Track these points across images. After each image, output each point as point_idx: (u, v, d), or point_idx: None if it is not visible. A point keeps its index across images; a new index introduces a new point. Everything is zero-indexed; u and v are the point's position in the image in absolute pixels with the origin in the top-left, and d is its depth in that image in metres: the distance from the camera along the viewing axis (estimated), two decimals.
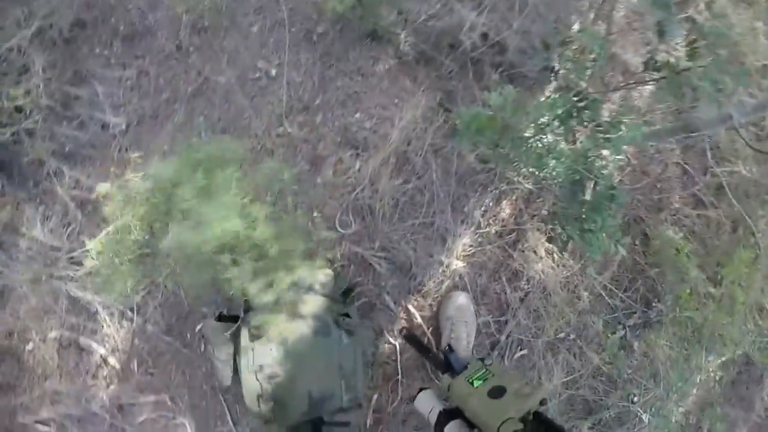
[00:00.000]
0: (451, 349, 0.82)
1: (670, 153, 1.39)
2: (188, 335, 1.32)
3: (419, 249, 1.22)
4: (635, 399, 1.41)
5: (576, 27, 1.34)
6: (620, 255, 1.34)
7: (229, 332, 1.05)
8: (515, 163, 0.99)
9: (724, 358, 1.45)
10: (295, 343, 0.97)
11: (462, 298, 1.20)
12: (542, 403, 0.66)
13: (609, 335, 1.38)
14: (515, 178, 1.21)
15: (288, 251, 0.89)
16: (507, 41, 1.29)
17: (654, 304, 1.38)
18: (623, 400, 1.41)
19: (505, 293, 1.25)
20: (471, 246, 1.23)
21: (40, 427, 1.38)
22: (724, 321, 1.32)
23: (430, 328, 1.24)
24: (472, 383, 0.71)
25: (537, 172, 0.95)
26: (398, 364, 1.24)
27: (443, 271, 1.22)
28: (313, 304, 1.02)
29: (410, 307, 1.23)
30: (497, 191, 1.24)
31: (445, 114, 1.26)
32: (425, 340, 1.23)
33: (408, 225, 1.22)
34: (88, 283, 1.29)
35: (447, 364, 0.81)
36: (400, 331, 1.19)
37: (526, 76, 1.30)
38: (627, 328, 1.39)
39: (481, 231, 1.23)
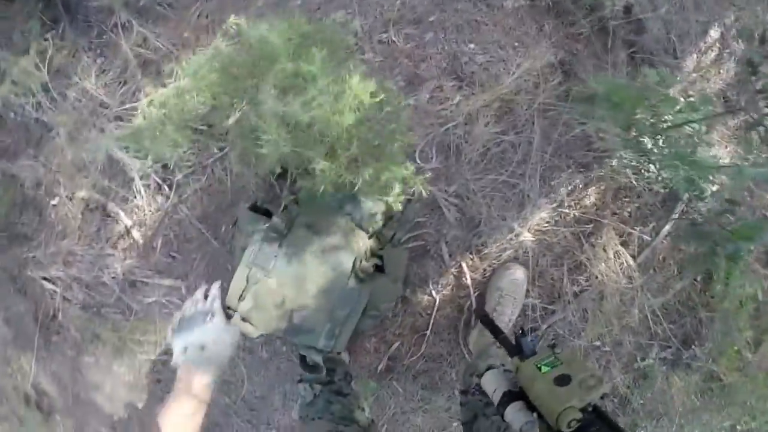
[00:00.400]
0: (523, 333, 0.79)
1: None
2: (222, 228, 1.22)
3: (494, 207, 1.12)
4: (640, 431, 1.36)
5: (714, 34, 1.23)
6: (681, 285, 1.29)
7: (256, 224, 0.95)
8: (644, 154, 0.88)
9: (739, 427, 1.41)
10: (301, 262, 0.89)
11: (519, 273, 1.11)
12: (602, 397, 0.65)
13: (639, 360, 1.31)
14: (620, 168, 1.11)
15: (384, 148, 0.77)
16: (647, 24, 1.17)
17: (692, 346, 1.31)
18: (628, 426, 1.36)
19: (562, 282, 1.17)
20: (547, 222, 1.14)
21: (46, 283, 1.30)
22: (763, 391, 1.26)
23: (476, 293, 1.15)
24: (539, 368, 0.70)
25: (660, 172, 0.86)
26: (432, 319, 1.15)
27: (510, 238, 1.13)
28: (353, 238, 0.92)
29: (464, 264, 1.14)
30: (591, 175, 1.14)
31: (563, 75, 1.14)
32: (468, 304, 1.15)
33: (490, 179, 1.11)
34: (131, 146, 1.16)
35: (518, 347, 0.80)
36: (476, 313, 1.09)
37: (654, 66, 1.18)
38: (657, 359, 1.33)
39: (561, 210, 1.14)
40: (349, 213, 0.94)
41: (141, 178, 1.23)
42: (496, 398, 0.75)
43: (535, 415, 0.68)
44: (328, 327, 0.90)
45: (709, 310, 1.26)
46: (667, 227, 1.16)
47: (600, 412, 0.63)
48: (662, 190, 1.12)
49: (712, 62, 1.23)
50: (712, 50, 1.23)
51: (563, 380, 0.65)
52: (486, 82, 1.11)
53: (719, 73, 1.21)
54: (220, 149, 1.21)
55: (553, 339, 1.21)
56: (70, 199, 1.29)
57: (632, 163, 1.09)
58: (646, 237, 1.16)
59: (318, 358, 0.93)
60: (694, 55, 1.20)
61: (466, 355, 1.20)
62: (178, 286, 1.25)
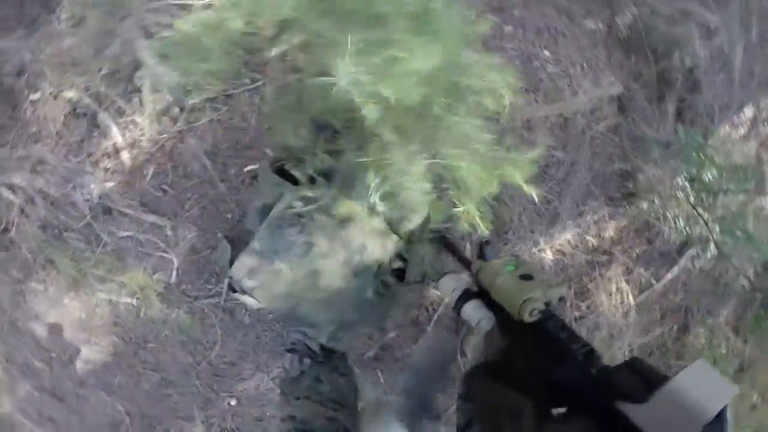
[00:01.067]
0: (488, 242, 0.79)
1: None
2: (232, 171, 1.08)
3: (525, 218, 1.11)
4: None
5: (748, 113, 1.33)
6: (660, 330, 1.38)
7: (278, 189, 0.85)
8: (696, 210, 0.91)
9: None
10: (319, 256, 0.81)
11: None
12: (561, 299, 0.65)
13: None
14: (649, 211, 1.15)
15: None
16: (703, 86, 1.23)
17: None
18: None
19: (565, 306, 1.19)
20: (568, 245, 1.16)
21: (4, 190, 1.07)
22: None
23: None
24: (504, 267, 0.70)
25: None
26: (435, 316, 1.12)
27: (533, 252, 1.13)
28: (382, 240, 0.83)
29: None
30: (618, 210, 1.17)
31: (618, 109, 1.16)
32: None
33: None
34: (164, 51, 0.99)
35: (481, 253, 0.80)
36: (442, 240, 1.05)
37: (693, 125, 1.25)
38: None
39: (585, 236, 1.16)
40: (382, 211, 0.84)
41: (150, 90, 1.06)
42: (454, 297, 0.74)
43: (493, 314, 0.68)
44: (333, 327, 0.83)
45: (678, 358, 1.36)
46: (669, 275, 1.23)
47: (555, 313, 0.64)
48: (677, 241, 1.19)
49: (741, 137, 1.32)
50: (743, 126, 1.32)
51: (526, 277, 0.65)
52: (549, 93, 1.10)
53: (744, 147, 1.30)
54: (253, 80, 1.08)
55: None
56: (55, 98, 1.07)
57: (660, 212, 1.14)
58: (652, 281, 1.22)
59: (315, 345, 0.85)
60: (727, 126, 1.28)
61: (460, 361, 1.19)
62: (163, 225, 1.08)
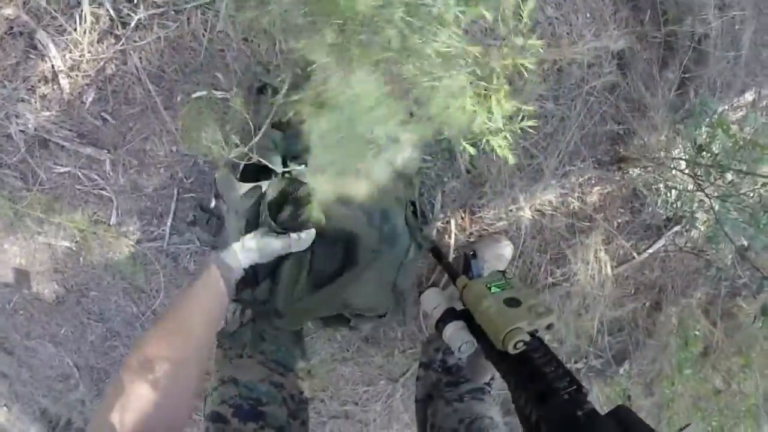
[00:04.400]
0: (474, 255, 0.75)
1: None
2: (178, 98, 0.96)
3: (504, 173, 1.05)
4: None
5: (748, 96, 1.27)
6: (633, 305, 1.35)
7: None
8: (712, 176, 0.85)
9: None
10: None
11: (508, 250, 1.06)
12: (549, 327, 0.62)
13: (572, 362, 1.37)
14: (639, 180, 1.10)
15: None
16: (710, 60, 1.16)
17: (621, 364, 1.40)
18: None
19: (540, 269, 1.15)
20: (548, 205, 1.10)
21: None
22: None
23: (455, 254, 1.09)
24: (489, 288, 0.67)
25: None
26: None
27: (510, 210, 1.07)
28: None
29: (453, 221, 1.06)
30: (608, 175, 1.11)
31: (617, 68, 1.08)
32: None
33: (512, 141, 1.04)
34: None
35: (467, 267, 0.77)
36: (431, 248, 1.01)
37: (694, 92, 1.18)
38: (587, 366, 1.39)
39: (568, 198, 1.10)
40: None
41: (93, 1, 0.94)
42: (436, 314, 0.72)
43: (474, 339, 0.66)
44: (393, 300, 0.79)
45: (647, 336, 1.34)
46: (651, 250, 1.19)
47: (543, 342, 0.61)
48: (664, 215, 1.14)
49: (736, 120, 1.26)
50: (740, 110, 1.26)
51: (513, 302, 0.63)
52: (546, 38, 1.01)
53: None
54: None
55: None
56: None
57: (651, 181, 1.08)
58: (634, 253, 1.17)
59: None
60: (726, 107, 1.22)
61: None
62: (102, 158, 0.99)
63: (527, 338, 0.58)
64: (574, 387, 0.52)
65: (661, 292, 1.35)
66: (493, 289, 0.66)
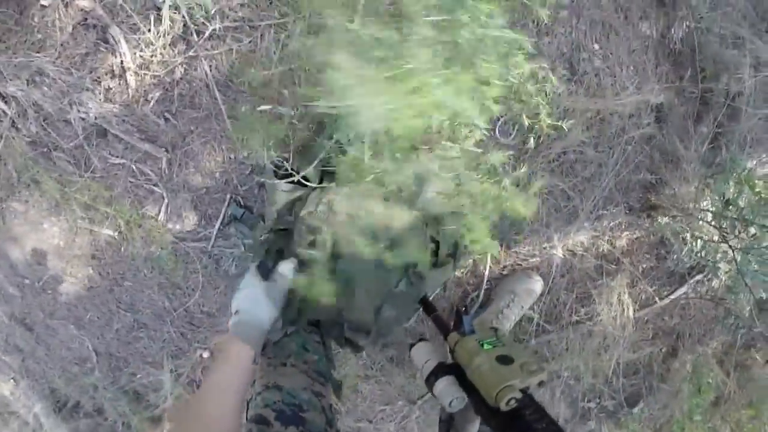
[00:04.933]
0: (466, 311, 0.78)
1: None
2: (243, 108, 0.99)
3: (543, 211, 1.08)
4: None
5: None
6: (650, 350, 1.37)
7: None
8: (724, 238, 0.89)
9: None
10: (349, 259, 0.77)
11: (538, 286, 1.09)
12: (540, 384, 0.64)
13: (585, 400, 1.38)
14: (668, 228, 1.13)
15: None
16: (742, 117, 1.21)
17: (633, 407, 1.41)
18: None
19: (565, 307, 1.17)
20: (580, 246, 1.13)
21: None
22: None
23: (486, 287, 1.11)
24: (482, 345, 0.69)
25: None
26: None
27: (544, 247, 1.10)
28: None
29: (488, 253, 1.08)
30: (637, 221, 1.15)
31: (654, 120, 1.13)
32: (476, 293, 1.10)
33: (554, 181, 1.07)
34: None
35: (458, 323, 0.78)
36: (422, 301, 0.99)
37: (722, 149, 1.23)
38: (599, 406, 1.40)
39: (598, 241, 1.13)
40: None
41: (171, 7, 0.98)
42: (427, 369, 0.73)
43: (465, 395, 0.67)
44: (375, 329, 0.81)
45: (661, 381, 1.36)
46: (673, 296, 1.22)
47: (534, 400, 0.63)
48: (688, 264, 1.17)
49: (763, 176, 1.31)
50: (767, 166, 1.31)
51: (505, 360, 0.64)
52: (591, 87, 1.06)
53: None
54: (282, 15, 1.01)
55: (536, 352, 1.22)
56: (67, 6, 0.97)
57: (678, 230, 1.12)
58: (656, 298, 1.20)
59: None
60: (755, 162, 1.27)
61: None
62: (159, 156, 1.02)
63: (519, 395, 0.60)
64: None
65: (678, 339, 1.37)
66: (486, 346, 0.67)
